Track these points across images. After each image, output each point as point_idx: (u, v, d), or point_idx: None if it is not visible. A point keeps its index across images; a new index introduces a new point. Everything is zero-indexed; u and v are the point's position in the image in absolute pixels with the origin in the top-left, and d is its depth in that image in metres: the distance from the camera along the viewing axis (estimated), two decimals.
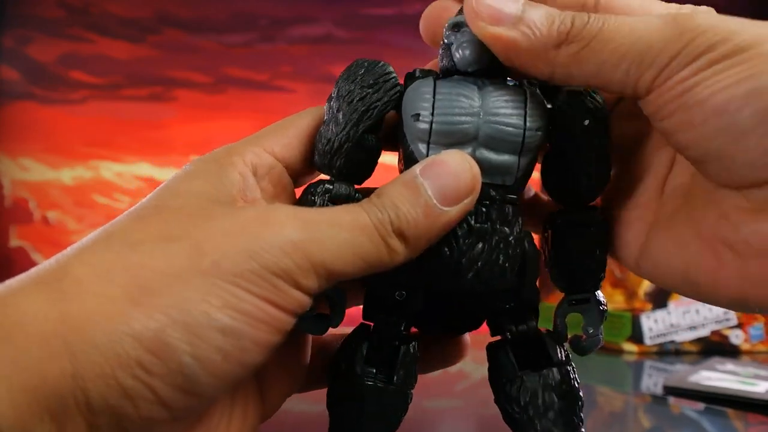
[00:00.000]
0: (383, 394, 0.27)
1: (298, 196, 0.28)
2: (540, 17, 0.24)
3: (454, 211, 0.24)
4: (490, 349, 0.29)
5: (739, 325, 0.79)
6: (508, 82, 0.26)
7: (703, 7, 0.24)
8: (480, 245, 0.26)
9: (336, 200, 0.26)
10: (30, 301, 0.21)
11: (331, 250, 0.23)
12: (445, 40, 0.26)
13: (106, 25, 1.16)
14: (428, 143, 0.25)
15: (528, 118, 0.25)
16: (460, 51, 0.25)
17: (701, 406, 0.53)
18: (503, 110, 0.25)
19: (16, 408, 0.19)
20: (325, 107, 0.27)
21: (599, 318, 0.28)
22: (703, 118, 0.22)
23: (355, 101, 0.26)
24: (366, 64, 0.27)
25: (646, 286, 0.79)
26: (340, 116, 0.26)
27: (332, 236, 0.23)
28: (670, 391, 0.57)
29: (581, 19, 0.23)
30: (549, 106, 0.26)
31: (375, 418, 0.27)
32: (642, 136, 0.27)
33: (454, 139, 0.25)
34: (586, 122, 0.26)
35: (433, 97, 0.25)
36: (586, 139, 0.26)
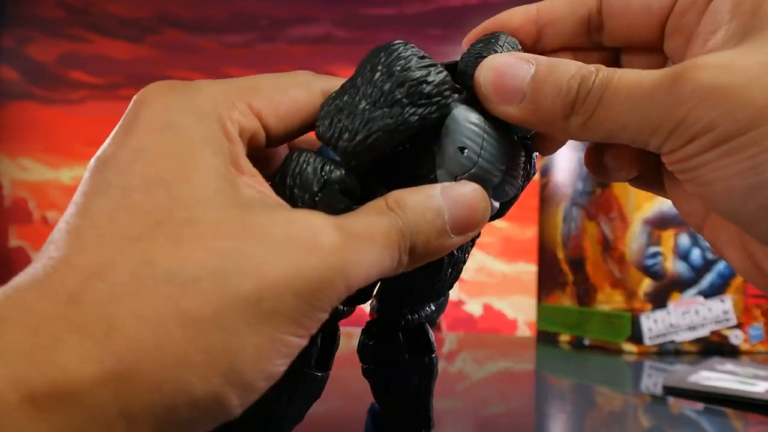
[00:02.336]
0: (320, 383, 0.28)
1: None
2: (548, 89, 0.24)
3: (456, 240, 0.25)
4: (375, 325, 0.31)
5: (739, 326, 0.79)
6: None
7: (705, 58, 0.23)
8: (450, 270, 0.28)
9: (345, 193, 0.25)
10: (79, 363, 0.19)
11: (363, 271, 0.23)
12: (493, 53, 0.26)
13: (106, 25, 1.16)
14: (457, 177, 0.25)
15: (520, 179, 0.27)
16: None
17: (701, 406, 0.53)
18: (519, 171, 0.27)
19: None
20: (359, 80, 0.25)
21: (443, 309, 0.33)
22: (712, 199, 0.23)
23: (413, 104, 0.24)
24: (428, 62, 0.24)
25: (645, 286, 0.79)
26: (390, 113, 0.24)
27: (367, 256, 0.23)
28: (670, 391, 0.57)
29: (585, 85, 0.24)
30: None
31: (302, 403, 0.28)
32: None
33: (482, 185, 0.25)
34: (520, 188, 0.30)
35: (483, 138, 0.25)
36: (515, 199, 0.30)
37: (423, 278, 0.28)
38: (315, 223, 0.22)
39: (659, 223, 0.79)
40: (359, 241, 0.22)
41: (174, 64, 1.16)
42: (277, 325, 0.21)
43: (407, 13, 1.16)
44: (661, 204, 0.80)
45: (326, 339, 0.28)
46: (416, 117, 0.24)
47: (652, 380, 0.66)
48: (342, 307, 0.28)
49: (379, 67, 0.24)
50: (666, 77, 0.23)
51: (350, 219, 0.23)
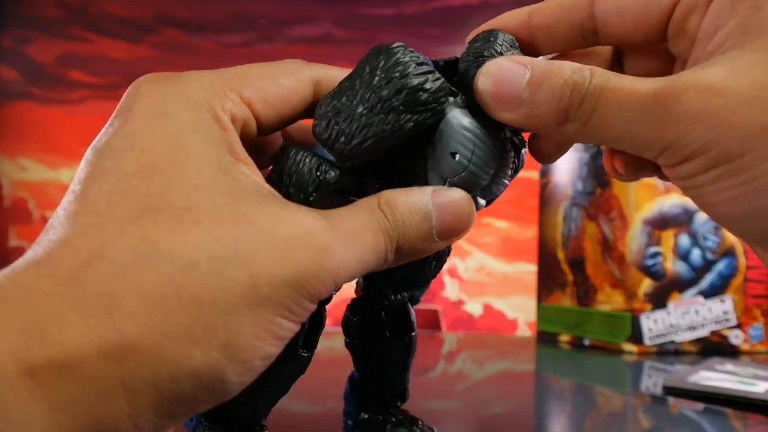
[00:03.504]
0: (305, 362, 0.29)
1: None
2: (543, 95, 0.24)
3: (441, 245, 0.26)
4: (360, 302, 0.32)
5: (739, 326, 0.79)
6: (509, 131, 0.27)
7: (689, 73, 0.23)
8: (435, 263, 0.30)
9: (340, 192, 0.25)
10: (80, 337, 0.19)
11: (351, 269, 0.24)
12: (493, 51, 0.26)
13: (105, 25, 1.15)
14: (448, 180, 0.26)
15: (510, 177, 0.28)
16: None
17: (700, 406, 0.53)
18: (508, 171, 0.27)
19: None
20: (356, 80, 0.25)
21: (426, 288, 0.35)
22: (716, 219, 0.24)
23: (408, 111, 0.24)
24: (426, 68, 0.25)
25: (645, 286, 0.79)
26: (386, 119, 0.24)
27: (354, 255, 0.24)
28: (670, 391, 0.57)
29: (578, 92, 0.24)
30: None
31: (288, 378, 0.29)
32: None
33: (470, 187, 0.26)
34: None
35: (474, 144, 0.25)
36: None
37: (408, 272, 0.29)
38: (307, 225, 0.23)
39: (659, 224, 0.79)
40: (347, 242, 0.23)
41: (173, 64, 1.16)
42: (272, 309, 0.22)
43: (407, 13, 1.16)
44: (661, 204, 0.80)
45: (313, 321, 0.29)
46: (411, 123, 0.24)
47: (652, 380, 0.66)
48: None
49: (378, 72, 0.24)
50: (658, 94, 0.23)
51: (340, 219, 0.24)
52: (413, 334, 0.32)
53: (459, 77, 0.26)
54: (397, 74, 0.24)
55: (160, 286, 0.20)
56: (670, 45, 0.27)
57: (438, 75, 0.24)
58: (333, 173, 0.25)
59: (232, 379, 0.21)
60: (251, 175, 0.24)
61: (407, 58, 0.24)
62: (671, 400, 0.55)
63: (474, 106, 0.26)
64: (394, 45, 0.25)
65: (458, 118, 0.25)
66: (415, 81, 0.24)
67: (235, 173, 0.23)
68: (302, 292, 0.22)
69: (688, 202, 0.79)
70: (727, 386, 0.55)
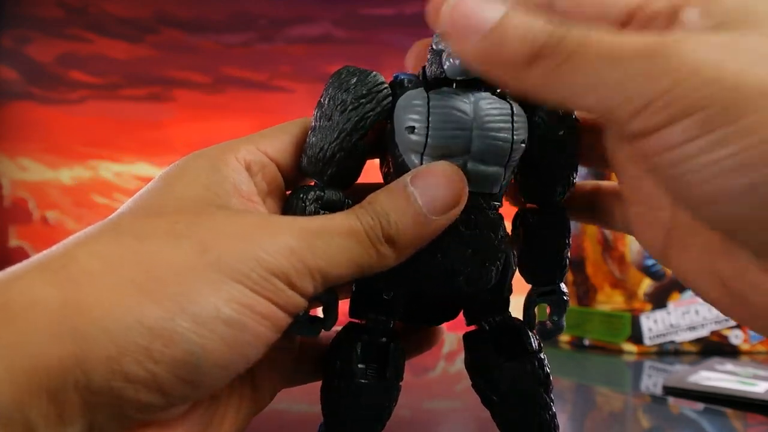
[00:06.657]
0: (378, 390, 0.28)
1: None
2: (513, 31, 0.21)
3: (441, 220, 0.26)
4: (469, 338, 0.31)
5: (739, 326, 0.79)
6: (494, 95, 0.27)
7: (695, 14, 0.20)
8: (469, 251, 0.27)
9: (327, 207, 0.27)
10: (36, 287, 0.21)
11: (326, 256, 0.24)
12: (434, 47, 0.27)
13: (105, 24, 1.15)
14: (422, 155, 0.26)
15: (515, 132, 0.26)
16: (450, 60, 0.26)
17: (700, 406, 0.53)
18: (494, 125, 0.26)
19: (15, 388, 0.20)
20: (314, 113, 0.28)
21: (563, 307, 0.31)
22: (699, 200, 0.20)
23: (348, 110, 0.26)
24: (358, 73, 0.27)
25: (645, 286, 0.79)
26: (333, 125, 0.26)
27: (327, 243, 0.24)
28: (670, 391, 0.57)
29: (558, 34, 0.21)
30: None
31: (370, 411, 0.28)
32: None
33: (448, 152, 0.26)
34: (561, 133, 0.28)
35: (428, 110, 0.26)
36: (560, 148, 0.29)
37: (430, 260, 0.27)
38: (267, 215, 0.25)
39: None
40: (316, 232, 0.24)
41: (173, 64, 1.16)
42: (228, 273, 0.22)
43: (407, 13, 1.16)
44: None
45: (371, 347, 0.28)
46: (357, 117, 0.26)
47: (652, 380, 0.66)
48: (391, 321, 0.29)
49: (327, 95, 0.27)
50: (649, 44, 0.20)
51: (313, 218, 0.25)
52: (531, 356, 0.29)
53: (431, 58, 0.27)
54: (336, 84, 0.27)
55: (116, 251, 0.22)
56: None
57: (374, 72, 0.27)
58: (313, 192, 0.27)
59: (187, 335, 0.21)
60: (243, 203, 0.26)
61: (344, 73, 0.27)
62: (671, 400, 0.55)
63: (434, 89, 0.26)
64: (340, 69, 0.27)
65: (405, 96, 0.26)
66: (352, 80, 0.26)
67: (227, 199, 0.25)
68: (264, 265, 0.23)
69: None
70: (727, 386, 0.55)
